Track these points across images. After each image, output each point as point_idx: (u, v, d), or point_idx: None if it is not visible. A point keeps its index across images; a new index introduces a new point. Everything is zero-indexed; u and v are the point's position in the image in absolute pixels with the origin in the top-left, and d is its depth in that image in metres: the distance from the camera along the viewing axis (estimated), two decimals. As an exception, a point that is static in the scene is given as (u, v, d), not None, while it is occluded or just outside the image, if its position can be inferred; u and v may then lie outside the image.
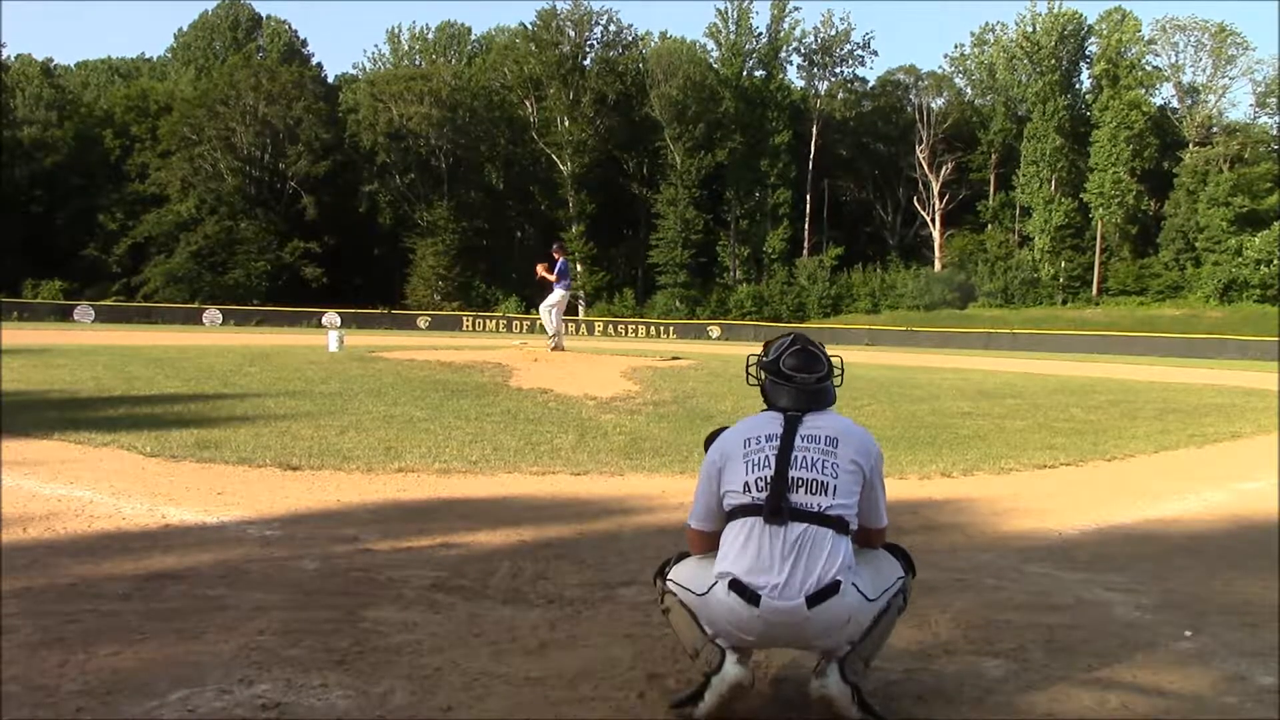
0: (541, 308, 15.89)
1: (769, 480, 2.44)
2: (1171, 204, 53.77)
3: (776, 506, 2.41)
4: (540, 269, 15.44)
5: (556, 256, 15.38)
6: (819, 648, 2.45)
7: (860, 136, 64.14)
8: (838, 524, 2.42)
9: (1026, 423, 9.97)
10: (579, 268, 54.64)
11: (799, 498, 2.42)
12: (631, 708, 2.54)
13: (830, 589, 2.36)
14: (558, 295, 15.36)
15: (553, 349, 15.29)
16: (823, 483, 2.44)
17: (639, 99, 59.24)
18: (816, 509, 2.41)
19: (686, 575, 2.57)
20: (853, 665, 2.40)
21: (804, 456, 2.47)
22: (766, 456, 2.48)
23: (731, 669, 2.38)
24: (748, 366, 2.77)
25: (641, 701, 2.58)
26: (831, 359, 2.67)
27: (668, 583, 2.61)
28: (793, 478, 2.44)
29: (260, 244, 52.38)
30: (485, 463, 6.34)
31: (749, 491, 2.46)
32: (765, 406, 2.64)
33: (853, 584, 2.40)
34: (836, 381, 2.67)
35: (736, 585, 2.39)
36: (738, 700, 2.40)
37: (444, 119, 55.96)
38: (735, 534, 2.46)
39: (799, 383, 2.58)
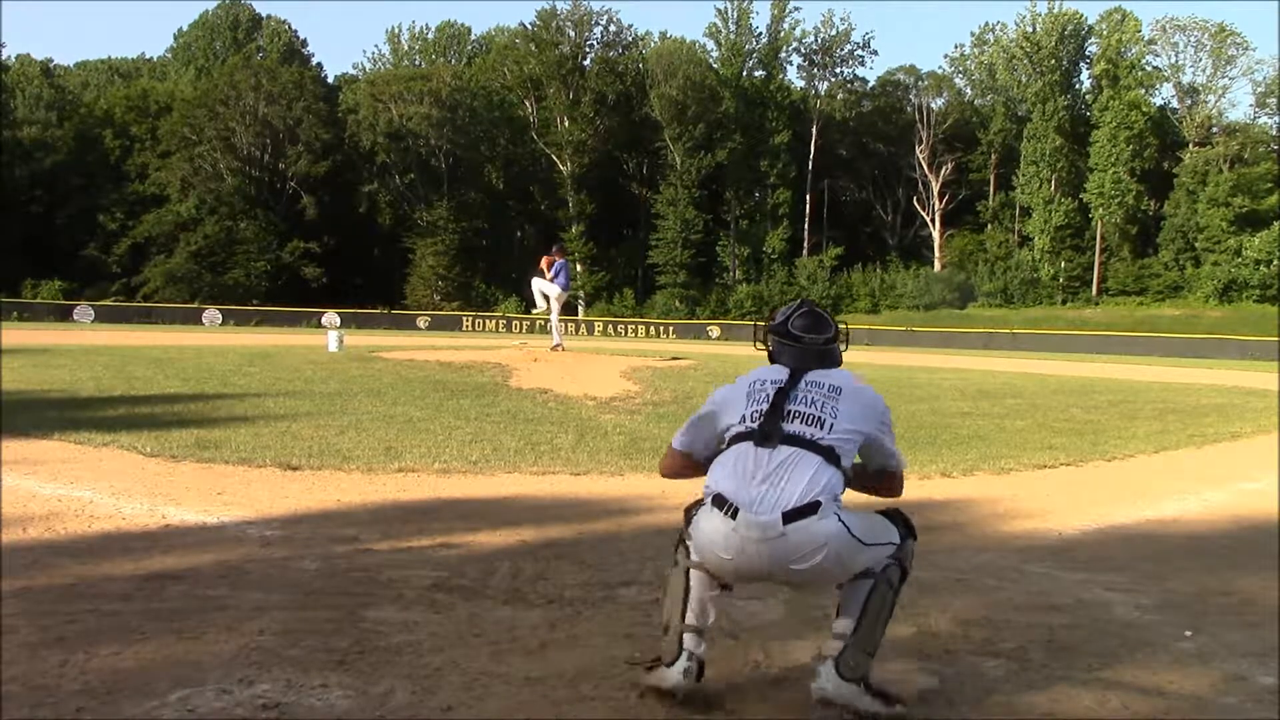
0: (535, 283, 15.68)
1: (764, 412, 2.52)
2: (1171, 204, 53.77)
3: (768, 431, 2.47)
4: (544, 262, 15.50)
5: (556, 257, 15.45)
6: (796, 578, 2.45)
7: (860, 136, 64.13)
8: (828, 453, 2.45)
9: (1026, 423, 9.97)
10: (579, 268, 54.66)
11: (792, 427, 2.48)
12: (631, 708, 2.54)
13: (808, 508, 2.37)
14: (555, 290, 15.39)
15: (553, 348, 15.32)
16: (819, 418, 2.49)
17: (639, 99, 59.24)
18: (809, 437, 2.46)
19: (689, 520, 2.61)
20: (849, 660, 2.39)
21: (804, 396, 2.53)
22: (768, 394, 2.55)
23: (674, 674, 2.47)
24: (755, 332, 2.81)
25: (641, 701, 2.57)
26: (839, 324, 2.73)
27: (687, 531, 2.61)
28: (789, 410, 2.50)
29: (260, 244, 52.38)
30: (485, 463, 6.34)
31: (744, 422, 2.53)
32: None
33: (835, 513, 2.40)
34: (843, 346, 2.73)
35: (718, 500, 2.44)
36: (667, 699, 2.49)
37: (444, 119, 55.96)
38: (726, 456, 2.53)
39: (807, 343, 2.65)
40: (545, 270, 15.24)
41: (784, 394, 2.53)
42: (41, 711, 2.39)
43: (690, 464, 2.69)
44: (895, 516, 2.58)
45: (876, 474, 2.66)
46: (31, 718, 2.36)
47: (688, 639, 2.49)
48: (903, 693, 2.50)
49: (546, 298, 15.43)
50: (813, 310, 2.71)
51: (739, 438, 2.52)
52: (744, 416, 2.54)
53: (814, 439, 2.45)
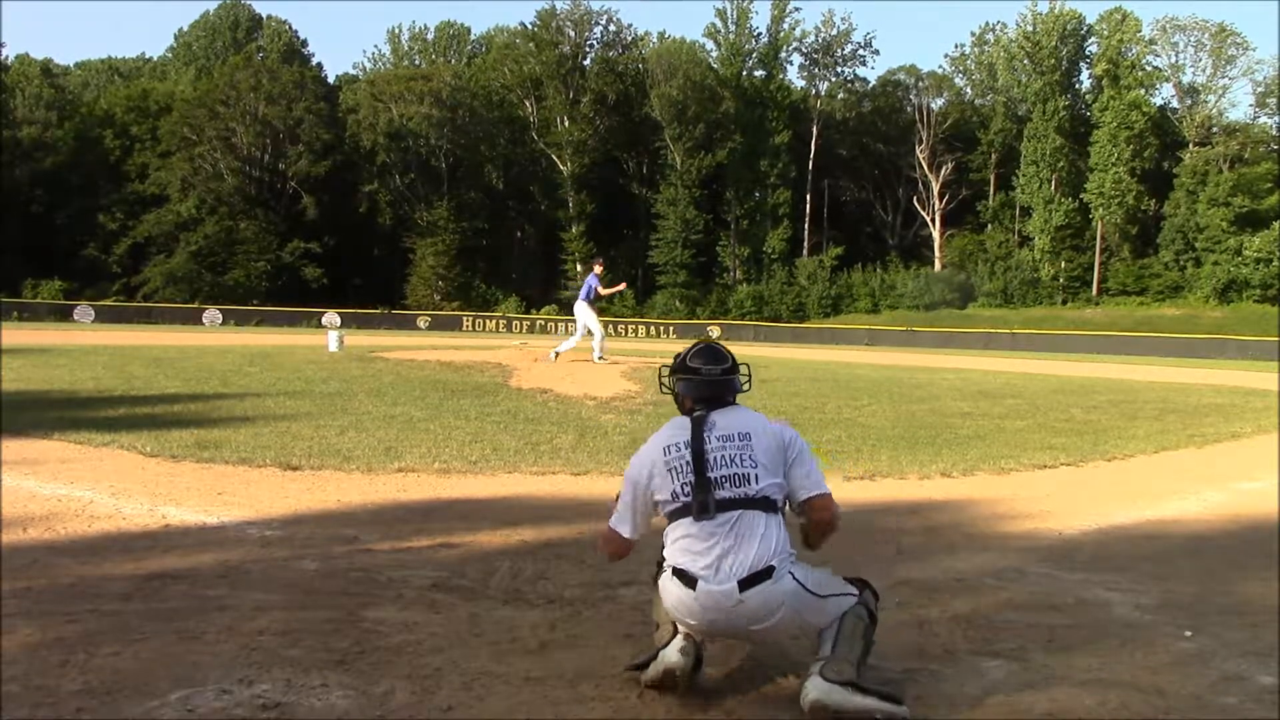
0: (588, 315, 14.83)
1: (691, 484, 2.58)
2: (1171, 204, 53.75)
3: (703, 503, 2.55)
4: (603, 290, 15.00)
5: (598, 269, 15.09)
6: (757, 637, 2.57)
7: (860, 136, 64.12)
8: (765, 504, 2.55)
9: (1026, 423, 9.97)
10: (579, 267, 54.63)
11: (724, 492, 2.56)
12: (631, 708, 2.54)
13: (763, 574, 2.47)
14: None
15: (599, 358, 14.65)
16: (744, 474, 2.57)
17: (639, 99, 59.24)
18: (742, 496, 2.54)
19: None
20: (833, 665, 2.43)
21: (720, 456, 2.60)
22: (686, 461, 2.61)
23: (671, 654, 2.54)
24: (660, 376, 2.92)
25: (641, 701, 2.58)
26: (739, 362, 2.83)
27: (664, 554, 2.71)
28: (714, 478, 2.57)
29: (260, 244, 52.36)
30: (485, 463, 6.34)
31: (678, 498, 2.61)
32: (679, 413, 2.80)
33: (790, 572, 2.49)
34: (744, 380, 2.82)
35: (679, 573, 2.54)
36: (672, 683, 2.54)
37: (444, 119, 55.96)
38: (675, 533, 2.61)
39: (705, 374, 2.75)
40: (604, 290, 14.80)
41: (700, 458, 2.59)
42: (41, 711, 2.39)
43: (627, 544, 2.77)
44: (855, 581, 2.67)
45: (800, 510, 2.67)
46: (31, 718, 2.36)
47: (680, 624, 2.59)
48: (898, 693, 2.51)
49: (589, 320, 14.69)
50: (709, 346, 2.83)
51: (676, 514, 2.60)
52: (674, 493, 2.61)
53: (746, 496, 2.54)
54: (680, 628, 2.59)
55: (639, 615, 3.30)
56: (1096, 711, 2.61)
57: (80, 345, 18.35)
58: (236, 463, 5.99)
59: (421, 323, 48.39)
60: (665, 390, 2.89)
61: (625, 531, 2.75)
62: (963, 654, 3.03)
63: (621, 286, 16.20)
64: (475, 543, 4.30)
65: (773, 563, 2.47)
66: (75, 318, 42.08)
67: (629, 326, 50.10)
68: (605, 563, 4.04)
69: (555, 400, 10.39)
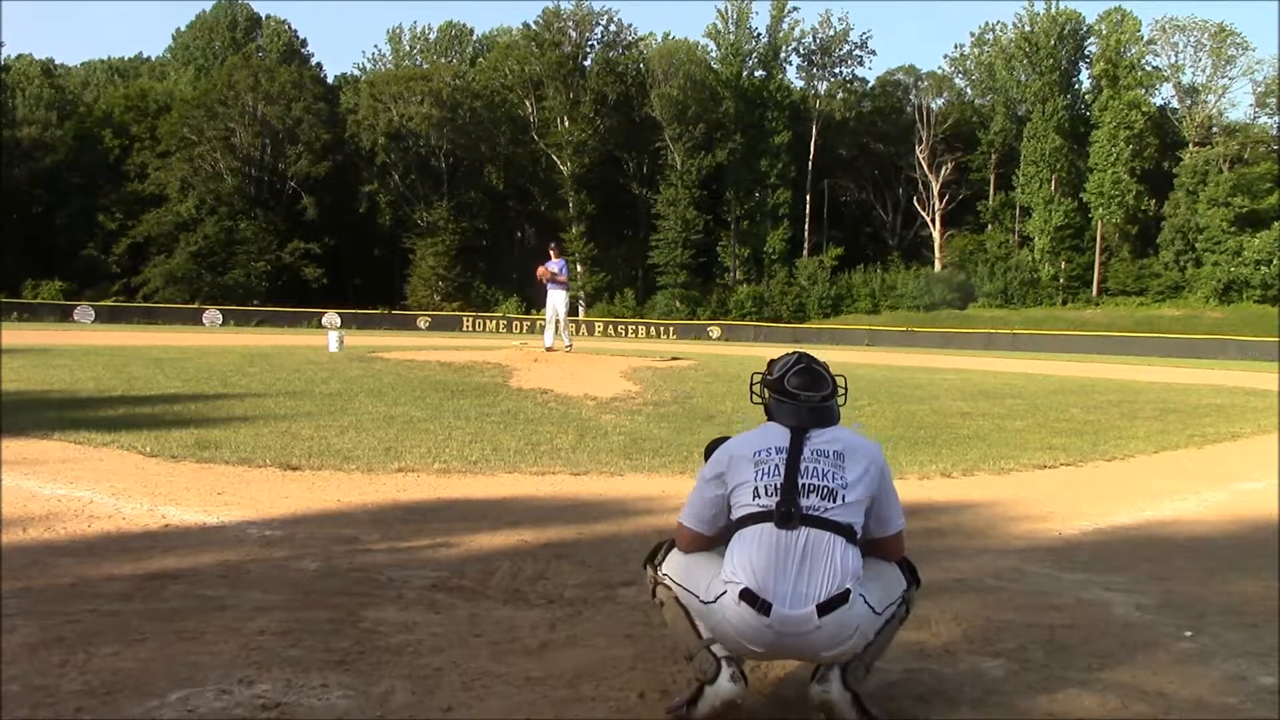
0: (554, 303, 15.68)
1: (779, 486, 2.41)
2: (1171, 204, 53.78)
3: (788, 511, 2.38)
4: (544, 271, 15.58)
5: (556, 255, 15.74)
6: (824, 660, 2.41)
7: (860, 136, 64.15)
8: (847, 532, 2.39)
9: (1026, 423, 9.97)
10: (579, 268, 54.66)
11: (809, 502, 2.40)
12: (631, 708, 2.54)
13: (840, 598, 2.33)
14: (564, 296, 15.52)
15: (547, 348, 15.36)
16: (832, 490, 2.41)
17: (639, 99, 59.28)
18: (826, 515, 2.39)
19: (688, 575, 2.52)
20: (855, 673, 2.38)
21: (813, 468, 2.44)
22: (776, 465, 2.45)
23: (725, 684, 2.35)
24: (751, 385, 2.73)
25: (641, 701, 2.57)
26: (835, 378, 2.63)
27: (663, 575, 2.57)
28: (802, 484, 2.42)
29: (260, 244, 52.40)
30: (485, 463, 6.34)
31: (759, 498, 2.42)
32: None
33: (860, 595, 2.37)
34: (840, 400, 2.63)
35: (747, 595, 2.34)
36: (730, 714, 2.38)
37: (444, 119, 55.98)
38: (746, 542, 2.41)
39: (804, 401, 2.54)
40: (549, 273, 15.33)
41: (794, 465, 2.43)
42: (41, 711, 2.39)
43: (706, 540, 2.57)
44: (903, 565, 2.56)
45: (877, 542, 2.54)
46: (31, 718, 2.36)
47: (716, 648, 2.41)
48: (884, 707, 2.49)
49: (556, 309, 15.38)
50: (809, 366, 2.59)
51: (756, 517, 2.41)
52: (756, 490, 2.43)
53: (831, 517, 2.38)
54: (719, 650, 2.40)
55: (639, 615, 3.30)
56: (1096, 711, 2.60)
57: (80, 345, 18.35)
58: (236, 463, 6.00)
59: (421, 323, 48.40)
60: (756, 401, 2.68)
61: (699, 529, 2.55)
62: (963, 654, 3.03)
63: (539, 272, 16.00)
64: (475, 543, 4.29)
65: (849, 585, 2.34)
66: (75, 318, 42.08)
67: (629, 327, 50.12)
68: (606, 563, 4.07)
69: (555, 400, 10.39)
